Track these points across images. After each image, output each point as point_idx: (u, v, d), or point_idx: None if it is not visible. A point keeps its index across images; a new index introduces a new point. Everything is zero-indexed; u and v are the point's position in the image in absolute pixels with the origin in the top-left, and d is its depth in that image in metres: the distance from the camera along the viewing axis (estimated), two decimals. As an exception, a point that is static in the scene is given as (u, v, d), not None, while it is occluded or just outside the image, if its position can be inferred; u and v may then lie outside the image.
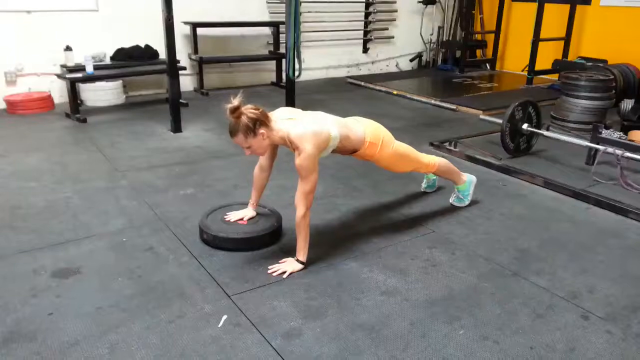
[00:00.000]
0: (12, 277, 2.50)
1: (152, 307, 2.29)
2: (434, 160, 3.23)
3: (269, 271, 2.58)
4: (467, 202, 3.41)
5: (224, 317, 2.23)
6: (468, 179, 3.39)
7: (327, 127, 2.58)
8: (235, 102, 2.40)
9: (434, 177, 3.58)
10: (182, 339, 2.09)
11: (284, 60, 6.20)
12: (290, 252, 2.77)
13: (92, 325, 2.16)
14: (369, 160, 2.96)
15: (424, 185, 3.63)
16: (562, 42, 7.41)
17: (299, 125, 2.50)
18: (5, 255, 2.70)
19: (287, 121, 2.55)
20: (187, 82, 6.85)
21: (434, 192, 3.62)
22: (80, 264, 2.63)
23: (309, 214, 2.56)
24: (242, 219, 2.92)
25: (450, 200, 3.44)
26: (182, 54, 6.50)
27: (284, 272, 2.56)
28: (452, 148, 4.52)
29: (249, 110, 2.42)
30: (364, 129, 2.82)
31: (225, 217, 2.94)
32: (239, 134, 2.45)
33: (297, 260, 2.61)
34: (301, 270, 2.60)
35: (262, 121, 2.45)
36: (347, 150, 2.79)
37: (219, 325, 2.18)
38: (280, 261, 2.64)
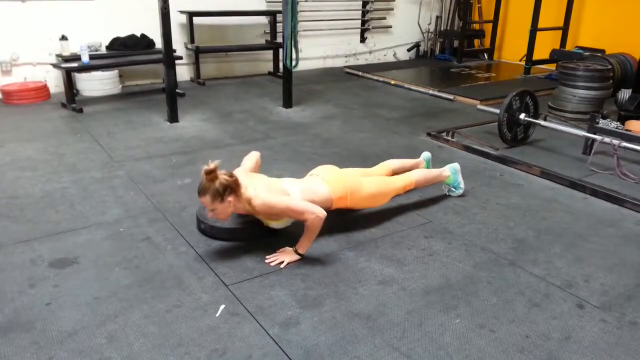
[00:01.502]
0: (9, 267, 2.50)
1: (149, 296, 2.30)
2: (409, 179, 3.16)
3: (267, 261, 2.59)
4: (461, 190, 3.41)
5: (222, 306, 2.24)
6: (451, 171, 3.39)
7: (289, 191, 2.65)
8: (212, 165, 2.44)
9: (426, 165, 3.57)
10: (180, 328, 2.10)
11: (281, 50, 6.18)
12: (287, 241, 2.77)
13: (90, 314, 2.17)
14: (344, 209, 2.93)
15: None
16: (559, 32, 7.39)
17: (261, 194, 2.53)
18: (3, 245, 2.69)
19: (248, 189, 2.55)
20: (183, 72, 6.82)
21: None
22: (77, 253, 2.63)
23: (323, 217, 2.54)
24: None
25: (445, 192, 3.45)
26: (179, 44, 6.47)
27: (282, 262, 2.57)
28: (449, 138, 4.52)
29: (223, 176, 2.46)
30: (328, 187, 2.79)
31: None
32: (207, 195, 2.45)
33: (296, 252, 2.61)
34: (297, 260, 2.61)
35: (232, 189, 2.48)
36: None
37: (217, 315, 2.19)
38: (278, 250, 2.65)
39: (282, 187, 2.68)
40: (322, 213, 2.54)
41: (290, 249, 2.63)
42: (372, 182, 3.00)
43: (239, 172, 2.69)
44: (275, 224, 2.73)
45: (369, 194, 2.94)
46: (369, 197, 2.96)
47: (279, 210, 2.56)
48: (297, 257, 2.61)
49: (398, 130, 4.87)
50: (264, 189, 2.58)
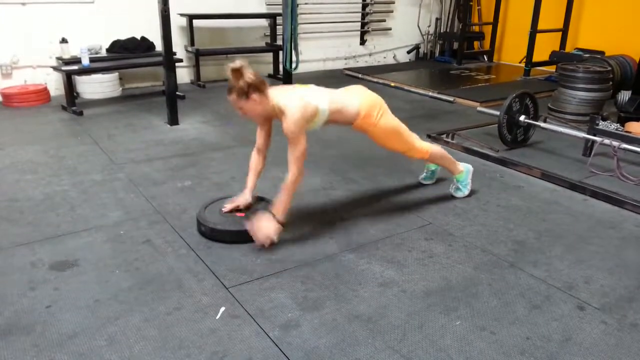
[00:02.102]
0: (10, 269, 2.50)
1: (150, 299, 2.30)
2: (427, 145, 3.21)
3: (247, 228, 2.65)
4: (466, 192, 3.41)
5: (222, 309, 2.24)
6: (465, 168, 3.40)
7: (316, 101, 2.68)
8: (238, 63, 2.53)
9: (434, 169, 3.57)
10: (180, 330, 2.10)
11: (281, 52, 6.19)
12: (288, 244, 2.78)
13: (90, 317, 2.17)
14: (365, 133, 2.98)
15: (422, 176, 3.63)
16: (559, 34, 7.40)
17: (288, 96, 2.65)
18: (3, 248, 2.69)
19: (280, 92, 2.68)
20: (183, 74, 6.83)
21: (431, 185, 3.62)
22: (78, 256, 2.63)
23: (301, 178, 2.66)
24: (239, 210, 2.91)
25: (450, 190, 3.44)
26: (179, 46, 6.48)
27: (270, 239, 2.63)
28: (449, 140, 4.52)
29: (248, 74, 2.54)
30: (359, 102, 2.86)
31: (222, 208, 2.95)
32: (233, 93, 2.58)
33: (275, 218, 2.65)
34: (280, 230, 2.66)
35: (257, 87, 2.56)
36: (341, 122, 2.88)
37: (217, 317, 2.19)
38: (256, 219, 2.66)
39: (313, 100, 2.68)
40: (301, 175, 2.64)
41: (269, 216, 2.65)
42: (399, 123, 3.04)
43: (280, 87, 2.79)
44: (312, 126, 2.76)
45: (393, 127, 2.98)
46: (391, 130, 2.98)
47: (293, 137, 2.58)
48: (279, 227, 2.66)
49: (398, 132, 4.87)
50: (300, 110, 2.59)
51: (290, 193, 2.66)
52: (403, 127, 3.07)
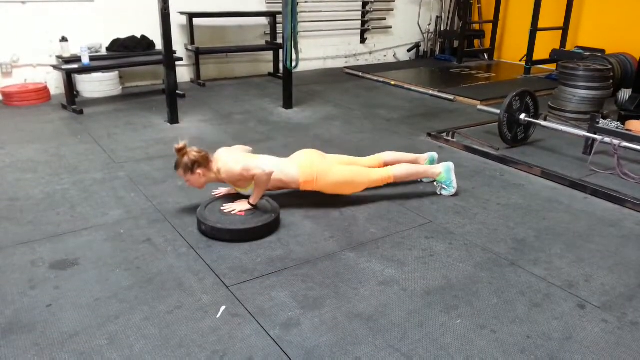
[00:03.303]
0: (10, 269, 2.50)
1: (150, 298, 2.30)
2: (387, 174, 3.27)
3: (222, 208, 2.92)
4: (453, 191, 3.41)
5: (223, 307, 2.24)
6: (444, 168, 3.40)
7: (256, 166, 2.89)
8: (181, 144, 2.87)
9: (431, 158, 3.62)
10: (181, 329, 2.10)
11: (281, 51, 6.18)
12: (288, 242, 2.78)
13: (90, 316, 2.17)
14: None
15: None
16: (559, 32, 7.39)
17: (228, 164, 2.90)
18: (3, 247, 2.70)
19: (223, 158, 2.95)
20: (183, 73, 6.82)
21: (431, 184, 3.62)
22: (78, 255, 2.63)
23: (266, 177, 2.86)
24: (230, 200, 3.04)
25: (438, 192, 3.45)
26: (179, 45, 6.47)
27: (233, 210, 2.90)
28: (449, 138, 4.52)
29: (192, 152, 2.89)
30: (297, 170, 3.08)
31: (214, 193, 3.19)
32: (180, 169, 2.91)
33: (249, 202, 2.93)
34: (249, 210, 2.91)
35: (200, 163, 2.89)
36: (283, 188, 3.15)
37: (218, 316, 2.19)
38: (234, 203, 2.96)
39: (254, 159, 3.00)
40: (269, 170, 2.86)
41: (245, 200, 2.95)
42: (344, 171, 3.19)
43: (221, 150, 3.07)
44: (243, 191, 3.01)
45: (336, 182, 3.15)
46: (336, 184, 3.16)
47: (237, 173, 2.86)
48: (248, 206, 2.92)
49: (398, 130, 4.87)
50: (232, 160, 2.92)
51: (259, 186, 2.88)
52: (352, 174, 3.19)
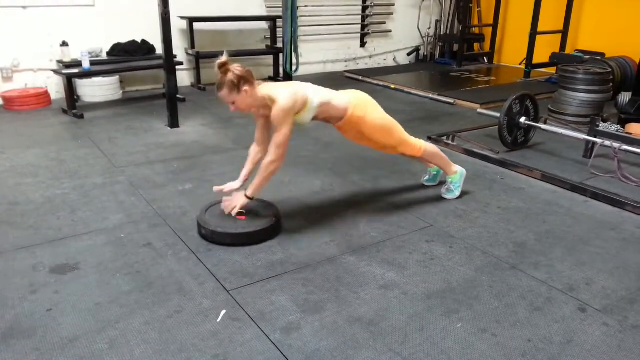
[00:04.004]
0: (11, 273, 2.50)
1: (150, 302, 2.30)
2: (420, 142, 3.23)
3: (222, 206, 2.85)
4: (457, 194, 3.41)
5: (223, 312, 2.24)
6: (459, 171, 3.40)
7: (306, 92, 2.76)
8: (224, 58, 2.59)
9: (436, 172, 3.58)
10: (181, 334, 2.10)
11: (281, 55, 6.20)
12: (289, 246, 2.78)
13: (91, 320, 2.17)
14: (352, 131, 3.03)
15: (424, 178, 3.64)
16: (559, 35, 7.40)
17: (279, 87, 2.74)
18: (4, 252, 2.69)
19: (271, 85, 2.77)
20: (184, 77, 6.83)
21: (432, 187, 3.62)
22: (78, 259, 2.63)
23: (278, 165, 2.75)
24: (240, 212, 2.90)
25: (442, 192, 3.45)
26: (179, 49, 6.48)
27: (234, 209, 2.79)
28: (450, 142, 4.52)
29: (235, 68, 2.60)
30: (348, 98, 2.92)
31: (215, 188, 3.00)
32: (224, 88, 2.61)
33: (245, 195, 2.80)
34: (246, 203, 2.81)
35: (246, 79, 2.62)
36: (330, 117, 2.93)
37: (218, 320, 2.19)
38: (229, 197, 2.86)
39: (303, 90, 2.77)
40: (281, 162, 2.74)
41: (240, 192, 2.82)
42: (391, 120, 3.08)
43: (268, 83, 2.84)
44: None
45: (382, 122, 3.02)
46: (380, 127, 3.02)
47: (278, 123, 2.67)
48: (246, 200, 2.80)
49: (398, 134, 4.87)
50: (289, 100, 2.66)
51: (265, 175, 2.75)
52: (394, 123, 3.11)
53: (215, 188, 2.99)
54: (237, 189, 2.92)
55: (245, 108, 2.72)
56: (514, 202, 3.42)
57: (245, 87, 2.61)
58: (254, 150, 3.00)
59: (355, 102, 2.93)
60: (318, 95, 2.81)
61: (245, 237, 2.79)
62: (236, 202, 2.81)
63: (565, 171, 3.91)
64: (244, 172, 3.00)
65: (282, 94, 2.66)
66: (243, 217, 2.88)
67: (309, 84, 2.88)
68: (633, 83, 5.51)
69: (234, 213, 2.79)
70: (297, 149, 4.39)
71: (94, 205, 3.27)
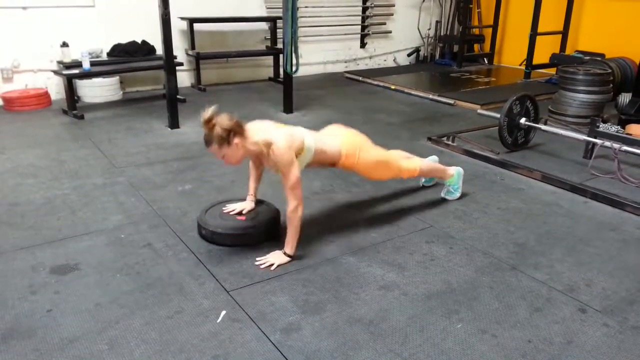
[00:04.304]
0: (10, 273, 2.50)
1: (150, 303, 2.29)
2: (414, 164, 3.18)
3: (257, 263, 2.60)
4: (457, 195, 3.42)
5: (223, 312, 2.24)
6: (456, 172, 3.40)
7: (302, 135, 2.65)
8: (209, 113, 2.45)
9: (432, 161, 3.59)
10: (181, 334, 2.10)
11: (281, 56, 6.20)
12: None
13: (91, 321, 2.17)
14: (351, 171, 2.96)
15: (422, 179, 3.63)
16: (559, 36, 7.40)
17: (272, 132, 2.56)
18: (4, 252, 2.69)
19: (261, 128, 2.60)
20: (184, 78, 6.83)
21: (432, 187, 3.62)
22: (78, 260, 2.63)
23: (301, 208, 2.58)
24: (240, 213, 2.91)
25: (441, 194, 3.45)
26: (179, 50, 6.48)
27: (272, 265, 2.58)
28: (450, 142, 4.52)
29: (222, 121, 2.45)
30: (340, 142, 2.82)
31: (224, 209, 2.95)
32: (213, 144, 2.46)
33: (285, 253, 2.62)
34: (287, 263, 2.61)
35: (236, 131, 2.47)
36: (324, 163, 2.83)
37: (218, 321, 2.19)
38: (271, 254, 2.66)
39: (299, 134, 2.65)
40: (301, 209, 2.56)
41: (279, 251, 2.64)
42: (381, 151, 3.03)
43: (255, 122, 2.68)
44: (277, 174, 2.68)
45: (376, 160, 2.96)
46: (375, 164, 2.96)
47: (283, 167, 2.51)
48: (286, 259, 2.61)
49: (398, 135, 4.87)
50: (286, 140, 2.52)
51: (295, 225, 2.58)
52: (388, 156, 3.06)
53: (227, 210, 2.92)
54: (250, 209, 2.85)
55: (238, 161, 2.57)
56: (514, 203, 3.42)
57: (236, 140, 2.47)
58: (253, 166, 2.95)
59: (346, 148, 2.81)
60: (313, 140, 2.68)
61: (245, 238, 2.79)
62: (274, 260, 2.60)
63: (565, 172, 3.91)
64: (251, 190, 2.97)
65: (277, 135, 2.52)
66: (243, 218, 2.88)
67: (302, 129, 2.77)
68: (633, 84, 5.51)
69: (272, 268, 2.57)
70: (297, 150, 4.39)
71: (94, 205, 3.27)
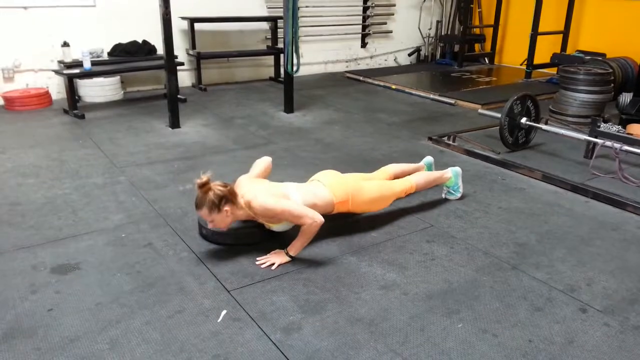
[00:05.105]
0: (11, 273, 2.50)
1: (151, 302, 2.30)
2: (409, 183, 3.16)
3: (257, 262, 2.60)
4: (459, 195, 3.42)
5: (224, 312, 2.24)
6: (453, 174, 3.40)
7: (288, 193, 2.69)
8: (204, 178, 2.49)
9: (428, 169, 3.58)
10: (182, 334, 2.10)
11: (282, 55, 6.20)
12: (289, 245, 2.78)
13: (92, 320, 2.17)
14: (348, 213, 2.97)
15: (443, 194, 3.61)
16: (560, 36, 7.40)
17: (256, 188, 2.62)
18: (5, 252, 2.70)
19: (248, 193, 2.60)
20: (185, 78, 6.84)
21: (432, 187, 3.61)
22: (79, 259, 2.63)
23: (318, 222, 2.58)
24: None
25: (443, 195, 3.45)
26: (180, 50, 6.49)
27: (273, 264, 2.58)
28: (450, 142, 4.52)
29: (216, 187, 2.50)
30: (330, 191, 2.82)
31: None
32: (204, 208, 2.50)
33: (287, 254, 2.63)
34: (288, 262, 2.62)
35: (227, 199, 2.52)
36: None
37: (219, 320, 2.19)
38: (270, 253, 2.66)
39: (283, 191, 2.70)
40: (320, 219, 2.59)
41: (282, 250, 2.64)
42: (373, 186, 3.01)
43: (242, 178, 2.76)
44: (276, 227, 2.73)
45: (370, 198, 2.96)
46: (370, 201, 2.98)
47: (277, 213, 2.57)
48: (287, 259, 2.62)
49: (399, 134, 4.87)
50: (264, 193, 2.60)
51: (308, 236, 2.62)
52: (380, 190, 3.02)
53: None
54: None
55: (226, 226, 2.60)
56: (514, 203, 3.41)
57: (226, 207, 2.51)
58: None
59: (336, 196, 2.80)
60: (302, 196, 2.69)
61: (246, 237, 2.78)
62: (275, 259, 2.61)
63: (566, 172, 3.91)
64: None
65: (256, 191, 2.57)
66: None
67: (288, 184, 2.79)
68: (634, 83, 5.50)
69: (273, 268, 2.57)
70: (298, 150, 4.40)
71: (95, 205, 3.27)
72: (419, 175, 3.29)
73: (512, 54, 8.53)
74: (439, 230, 3.03)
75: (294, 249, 2.63)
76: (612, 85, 5.22)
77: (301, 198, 2.69)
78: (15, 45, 5.70)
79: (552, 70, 7.36)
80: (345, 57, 8.28)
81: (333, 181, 2.89)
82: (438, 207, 3.34)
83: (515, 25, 8.44)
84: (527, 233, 3.01)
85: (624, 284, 2.51)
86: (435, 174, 3.36)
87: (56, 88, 6.00)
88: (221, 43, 7.03)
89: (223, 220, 2.55)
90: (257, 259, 2.63)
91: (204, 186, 2.49)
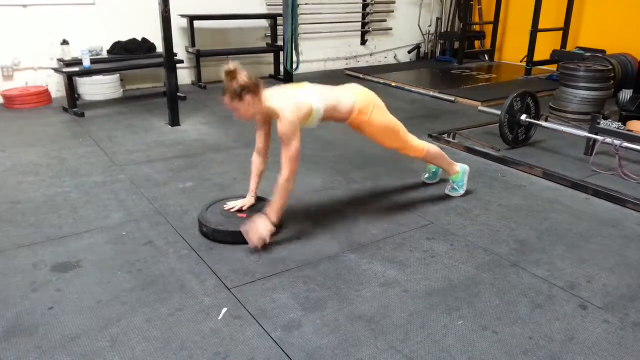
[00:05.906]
0: (12, 271, 2.50)
1: (152, 300, 2.30)
2: (423, 144, 3.23)
3: (225, 207, 2.84)
4: (461, 192, 3.42)
5: (224, 309, 2.24)
6: (461, 169, 3.40)
7: (310, 100, 2.72)
8: (232, 65, 2.56)
9: (435, 169, 3.58)
10: (182, 331, 2.10)
11: (281, 53, 6.20)
12: (289, 244, 2.78)
13: (92, 318, 2.17)
14: (358, 130, 3.02)
15: (425, 176, 3.63)
16: (560, 33, 7.39)
17: (282, 98, 2.68)
18: (5, 250, 2.70)
19: (274, 94, 2.70)
20: (184, 75, 6.83)
21: (432, 184, 3.62)
22: (79, 257, 2.63)
23: (292, 180, 2.68)
24: (241, 210, 2.92)
25: (445, 191, 3.45)
26: (180, 47, 6.48)
27: (263, 240, 2.65)
28: (450, 139, 4.52)
29: (242, 76, 2.57)
30: (353, 99, 2.89)
31: (224, 206, 2.97)
32: (226, 95, 2.59)
33: (268, 219, 2.67)
34: (273, 231, 2.69)
35: (250, 89, 2.58)
36: (336, 118, 2.91)
37: (219, 318, 2.19)
38: (250, 221, 2.68)
39: (306, 100, 2.71)
40: (293, 178, 2.66)
41: (263, 215, 2.68)
42: (395, 120, 3.07)
43: (275, 88, 2.78)
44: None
45: (387, 123, 3.01)
46: (385, 126, 3.01)
47: (286, 137, 2.61)
48: (272, 227, 2.68)
49: (399, 132, 4.87)
50: (292, 112, 2.63)
51: (283, 194, 2.69)
52: (398, 125, 3.09)
53: (227, 207, 2.96)
54: (251, 206, 2.86)
55: (248, 116, 2.67)
56: (514, 200, 3.41)
57: (247, 97, 2.57)
58: (255, 160, 2.96)
59: (359, 104, 2.89)
60: (322, 101, 2.77)
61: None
62: (263, 232, 2.64)
63: (566, 168, 3.91)
64: (252, 186, 2.99)
65: (285, 109, 2.62)
66: (244, 215, 2.89)
67: (313, 88, 2.83)
68: (634, 80, 5.50)
69: (263, 242, 2.65)
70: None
71: (95, 203, 3.27)
72: (434, 147, 3.32)
73: (512, 50, 8.52)
74: (438, 227, 3.03)
75: (273, 213, 2.68)
76: (612, 81, 5.22)
77: (321, 102, 2.75)
78: (15, 43, 5.69)
79: (552, 67, 7.36)
80: (344, 55, 8.27)
81: (361, 91, 2.96)
82: (438, 204, 3.34)
83: (515, 22, 8.43)
84: (527, 230, 3.01)
85: (624, 280, 2.51)
86: (446, 159, 3.37)
87: (55, 86, 5.99)
88: (220, 40, 7.02)
89: (246, 110, 2.61)
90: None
91: (231, 73, 2.54)
